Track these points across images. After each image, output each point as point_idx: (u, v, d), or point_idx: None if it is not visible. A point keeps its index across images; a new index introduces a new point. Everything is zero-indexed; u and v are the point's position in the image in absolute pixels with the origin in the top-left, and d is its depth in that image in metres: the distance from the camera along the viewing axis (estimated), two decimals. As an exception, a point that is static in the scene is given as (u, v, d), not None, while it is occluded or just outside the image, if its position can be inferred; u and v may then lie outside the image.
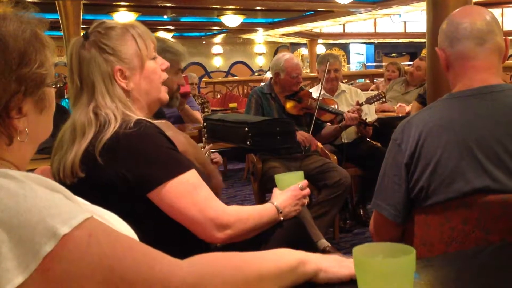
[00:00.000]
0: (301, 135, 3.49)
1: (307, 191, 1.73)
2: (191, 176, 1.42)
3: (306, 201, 1.72)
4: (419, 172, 1.52)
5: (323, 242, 3.10)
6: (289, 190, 1.68)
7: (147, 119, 1.44)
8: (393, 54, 20.58)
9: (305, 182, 1.75)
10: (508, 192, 1.41)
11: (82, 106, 1.45)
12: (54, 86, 0.92)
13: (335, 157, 3.77)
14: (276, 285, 0.92)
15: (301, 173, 1.80)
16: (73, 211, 0.76)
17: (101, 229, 0.78)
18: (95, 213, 0.81)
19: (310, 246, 1.82)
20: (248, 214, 1.50)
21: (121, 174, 1.35)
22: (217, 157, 2.15)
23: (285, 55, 3.81)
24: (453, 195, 1.46)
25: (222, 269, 0.86)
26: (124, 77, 1.47)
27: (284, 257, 0.96)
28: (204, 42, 18.09)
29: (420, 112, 1.67)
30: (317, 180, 3.50)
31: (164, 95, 1.59)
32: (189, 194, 1.38)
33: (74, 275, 0.73)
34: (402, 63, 6.72)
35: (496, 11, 15.20)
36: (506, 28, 15.59)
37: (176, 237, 1.43)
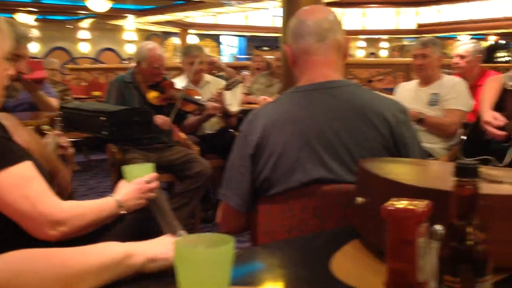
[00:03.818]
0: (160, 118, 3.46)
1: (153, 184, 1.71)
2: (25, 168, 1.33)
3: (152, 194, 1.70)
4: (264, 163, 1.57)
5: (182, 234, 3.10)
6: (134, 183, 1.66)
7: None
8: (265, 48, 21.06)
9: (154, 175, 1.73)
10: (342, 182, 1.50)
11: None
12: None
13: (197, 148, 3.79)
14: (100, 279, 0.90)
15: (150, 166, 1.77)
16: None
17: None
18: None
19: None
20: (85, 210, 1.44)
21: None
22: (65, 142, 2.06)
23: (148, 45, 3.75)
24: (293, 185, 1.53)
25: (39, 265, 0.82)
26: None
27: (108, 251, 0.94)
28: (69, 26, 17.22)
29: (267, 104, 1.72)
30: (179, 171, 3.51)
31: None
32: (20, 187, 1.29)
33: None
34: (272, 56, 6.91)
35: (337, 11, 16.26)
36: (347, 27, 16.71)
37: (9, 232, 1.34)
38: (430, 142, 3.31)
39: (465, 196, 0.70)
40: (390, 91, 4.07)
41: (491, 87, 2.55)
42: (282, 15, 2.90)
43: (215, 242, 0.83)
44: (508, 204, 0.91)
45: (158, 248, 1.00)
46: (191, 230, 3.46)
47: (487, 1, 16.06)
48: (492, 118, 2.40)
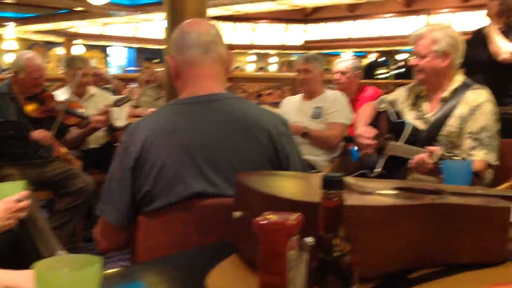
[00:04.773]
0: (39, 132, 3.28)
1: (25, 203, 1.60)
2: None
3: (23, 214, 1.59)
4: (145, 176, 1.53)
5: (61, 254, 2.94)
6: (2, 202, 1.54)
7: None
8: (155, 60, 20.78)
9: (25, 193, 1.62)
10: (225, 196, 1.49)
11: None
12: None
13: (80, 163, 3.63)
14: None
15: (21, 183, 1.66)
16: None
17: None
18: None
19: (33, 260, 1.69)
20: None
21: None
22: None
23: (27, 54, 3.57)
24: (174, 199, 1.50)
25: None
26: None
27: None
28: None
29: (149, 116, 1.69)
30: (59, 188, 3.35)
31: None
32: None
33: None
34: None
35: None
36: (238, 42, 17.21)
37: None
38: (314, 155, 3.42)
39: (331, 208, 0.71)
40: (278, 104, 4.17)
41: (365, 112, 2.75)
42: (166, 26, 2.88)
43: (80, 264, 0.78)
44: (376, 214, 0.94)
45: (21, 278, 0.93)
46: (72, 249, 3.31)
47: (367, 20, 17.07)
48: (365, 132, 2.55)
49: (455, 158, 2.01)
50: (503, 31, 3.41)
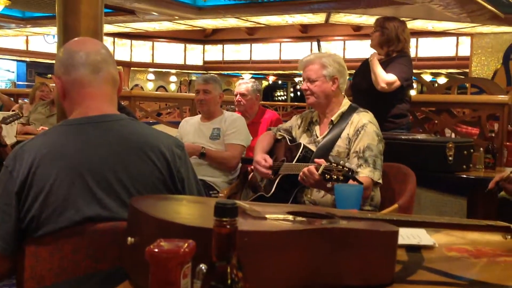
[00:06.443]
0: None
1: None
2: None
3: None
4: (31, 201, 1.45)
5: None
6: None
7: None
8: (48, 75, 19.97)
9: None
10: (119, 220, 1.44)
11: None
12: None
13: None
14: None
15: None
16: None
17: None
18: None
19: None
20: None
21: None
22: None
23: None
24: (64, 224, 1.43)
25: None
26: None
27: None
28: None
29: (35, 138, 1.60)
30: None
31: None
32: None
33: None
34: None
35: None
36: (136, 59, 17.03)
37: None
38: (212, 176, 3.43)
39: (224, 235, 0.71)
40: (177, 124, 4.15)
41: (263, 140, 2.88)
42: (57, 44, 2.75)
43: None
44: (268, 239, 0.95)
45: None
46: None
47: (265, 44, 17.50)
48: (262, 159, 2.66)
49: (338, 167, 2.11)
50: (384, 61, 3.65)
